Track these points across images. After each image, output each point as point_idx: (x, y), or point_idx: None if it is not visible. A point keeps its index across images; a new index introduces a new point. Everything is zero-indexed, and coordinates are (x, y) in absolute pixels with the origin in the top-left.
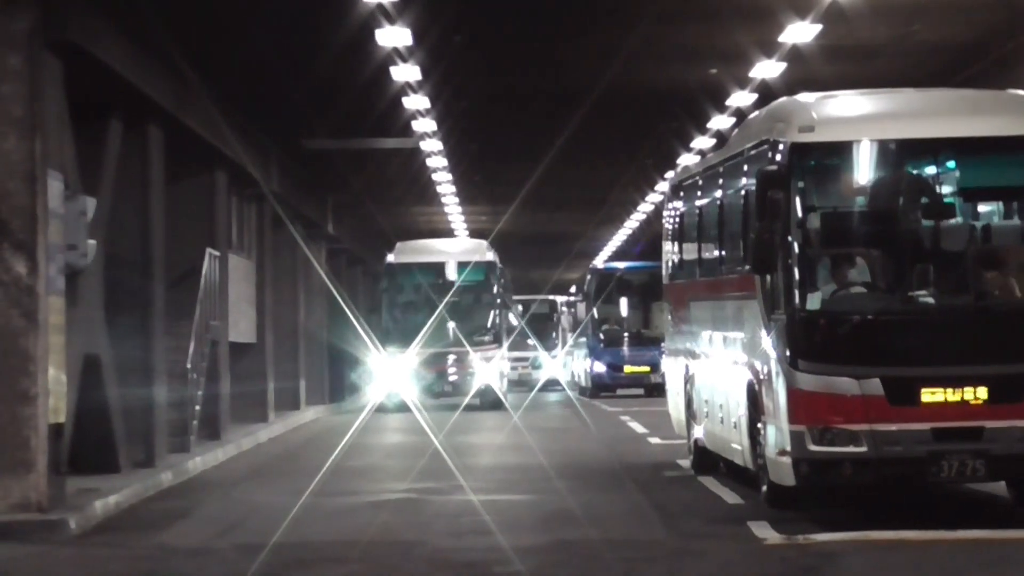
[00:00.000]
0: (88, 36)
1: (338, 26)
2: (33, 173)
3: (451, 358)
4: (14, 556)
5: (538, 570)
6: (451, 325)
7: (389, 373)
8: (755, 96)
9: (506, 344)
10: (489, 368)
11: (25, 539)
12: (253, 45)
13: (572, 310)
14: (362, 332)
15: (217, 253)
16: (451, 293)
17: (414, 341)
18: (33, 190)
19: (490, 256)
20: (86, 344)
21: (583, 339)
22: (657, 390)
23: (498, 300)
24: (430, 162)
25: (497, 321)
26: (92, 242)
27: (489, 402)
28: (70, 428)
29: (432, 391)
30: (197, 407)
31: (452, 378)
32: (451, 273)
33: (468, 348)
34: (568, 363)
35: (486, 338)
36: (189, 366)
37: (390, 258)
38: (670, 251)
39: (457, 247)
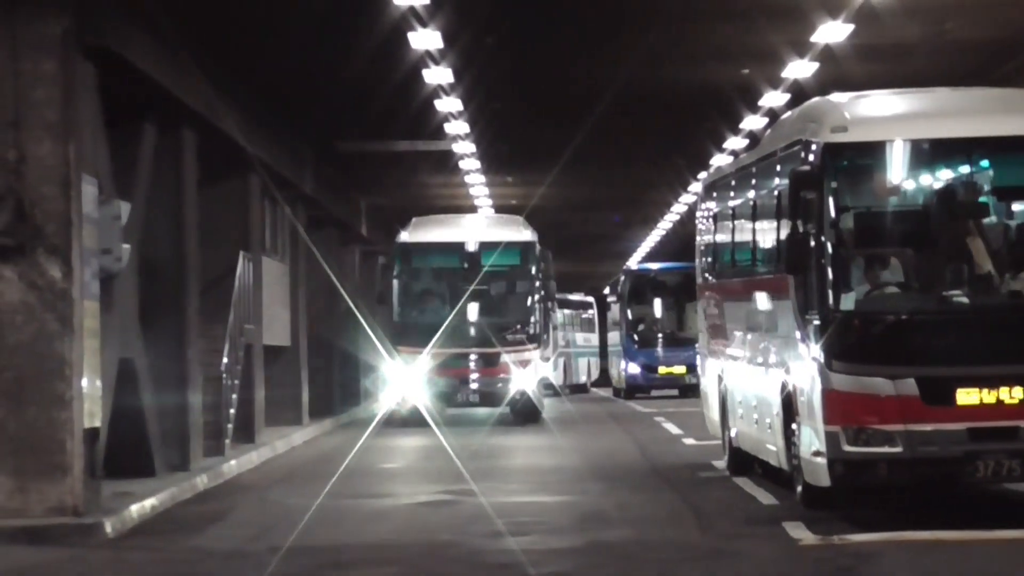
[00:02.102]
0: (121, 40)
1: (370, 29)
2: (67, 178)
3: (476, 361)
4: (50, 559)
5: (573, 571)
6: (478, 320)
7: (402, 378)
8: (788, 96)
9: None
10: (525, 374)
11: (61, 542)
12: (286, 48)
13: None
14: (369, 330)
15: (251, 256)
16: (478, 280)
17: (431, 340)
18: (67, 195)
19: (528, 235)
20: (121, 348)
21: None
22: (692, 391)
23: (538, 289)
24: (463, 164)
25: (536, 315)
26: (126, 246)
27: (521, 415)
28: (105, 432)
29: (452, 400)
30: (231, 410)
31: (477, 385)
32: (479, 255)
33: (498, 348)
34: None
35: (521, 336)
36: (223, 369)
37: (403, 236)
38: (703, 252)
39: (486, 223)
